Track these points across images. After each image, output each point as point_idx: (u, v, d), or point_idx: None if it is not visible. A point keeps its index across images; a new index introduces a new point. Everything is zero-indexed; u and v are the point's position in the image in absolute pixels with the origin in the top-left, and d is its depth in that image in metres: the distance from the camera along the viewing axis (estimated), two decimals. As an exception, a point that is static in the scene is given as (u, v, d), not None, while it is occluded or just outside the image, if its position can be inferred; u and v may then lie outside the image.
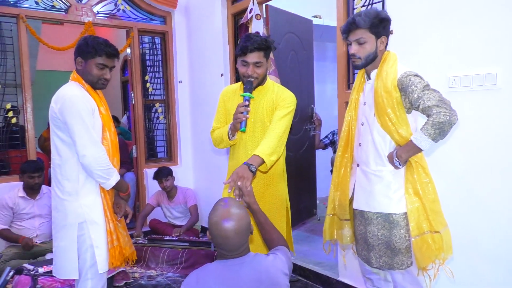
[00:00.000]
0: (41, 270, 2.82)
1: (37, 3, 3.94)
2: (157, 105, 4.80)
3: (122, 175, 4.49)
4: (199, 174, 4.73)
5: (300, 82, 4.15)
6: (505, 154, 2.02)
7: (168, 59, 4.76)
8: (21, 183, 3.51)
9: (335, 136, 4.28)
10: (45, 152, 5.07)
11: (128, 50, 4.57)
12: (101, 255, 2.08)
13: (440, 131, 1.74)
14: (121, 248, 2.18)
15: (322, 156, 4.84)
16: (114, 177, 2.09)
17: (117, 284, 3.19)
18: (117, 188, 2.15)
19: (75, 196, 2.06)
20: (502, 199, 2.04)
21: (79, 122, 1.99)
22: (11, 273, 2.64)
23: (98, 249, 2.07)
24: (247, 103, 2.11)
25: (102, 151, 2.04)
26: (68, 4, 4.09)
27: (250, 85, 2.17)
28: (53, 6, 4.03)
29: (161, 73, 4.83)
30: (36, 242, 3.41)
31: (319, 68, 5.14)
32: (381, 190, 1.93)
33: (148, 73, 4.76)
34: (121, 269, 3.12)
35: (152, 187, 4.45)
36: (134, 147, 4.67)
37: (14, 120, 3.86)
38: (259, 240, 2.24)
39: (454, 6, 2.17)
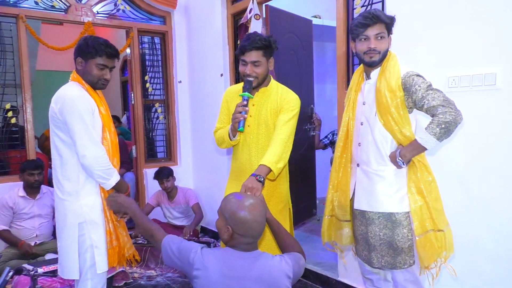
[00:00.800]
0: (40, 270, 2.82)
1: (36, 3, 3.95)
2: (156, 105, 4.80)
3: (121, 175, 4.50)
4: (199, 174, 4.73)
5: (299, 82, 4.15)
6: (505, 154, 2.02)
7: (167, 59, 4.77)
8: (21, 183, 3.51)
9: (335, 136, 4.28)
10: (45, 152, 5.08)
11: (128, 50, 4.57)
12: (100, 255, 2.09)
13: (445, 130, 1.75)
14: (120, 248, 2.19)
15: (321, 156, 4.84)
16: (114, 177, 2.10)
17: (116, 284, 3.20)
18: (117, 188, 2.15)
19: (75, 196, 2.07)
20: (502, 198, 2.05)
21: (79, 122, 2.00)
22: (10, 273, 2.64)
23: (98, 249, 2.08)
24: (245, 102, 2.11)
25: (102, 151, 2.04)
26: (67, 4, 4.09)
27: (249, 84, 2.16)
28: (52, 6, 4.03)
29: (160, 73, 4.83)
30: (36, 243, 3.42)
31: (318, 68, 5.14)
32: (383, 190, 1.93)
33: (147, 73, 4.76)
34: (121, 269, 3.12)
35: (151, 187, 4.46)
36: (133, 147, 4.68)
37: (13, 120, 3.87)
38: (270, 238, 2.24)
39: (453, 6, 2.17)
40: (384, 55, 1.93)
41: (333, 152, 4.55)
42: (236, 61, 3.96)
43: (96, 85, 2.14)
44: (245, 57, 2.15)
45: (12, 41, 3.85)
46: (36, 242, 3.43)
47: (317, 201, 4.69)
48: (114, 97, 7.80)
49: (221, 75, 4.10)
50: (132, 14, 4.54)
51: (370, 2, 2.67)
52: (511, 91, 1.99)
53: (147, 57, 4.76)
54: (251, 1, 3.44)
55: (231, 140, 2.25)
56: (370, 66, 1.95)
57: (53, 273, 2.87)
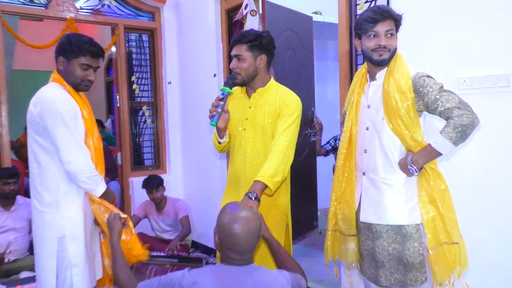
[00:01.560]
0: (15, 289, 2.78)
1: (14, -3, 3.93)
2: (144, 108, 4.79)
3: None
4: (190, 183, 4.71)
5: (299, 83, 4.15)
6: (521, 161, 2.02)
7: (156, 58, 4.76)
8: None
9: (337, 141, 4.28)
10: (21, 159, 5.03)
11: (113, 49, 4.57)
12: (78, 275, 2.05)
13: (462, 134, 1.75)
14: (105, 266, 2.17)
15: (323, 164, 4.83)
16: (101, 185, 2.09)
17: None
18: (104, 198, 2.13)
19: (56, 208, 2.05)
20: (518, 210, 2.04)
21: (62, 126, 1.98)
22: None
23: (76, 268, 2.05)
24: (221, 96, 2.13)
25: (87, 156, 2.03)
26: (48, -1, 4.08)
27: (232, 79, 2.18)
28: (31, 1, 4.02)
29: (149, 73, 4.82)
30: (9, 260, 3.36)
31: (319, 68, 5.15)
32: (392, 200, 1.92)
33: (134, 73, 4.75)
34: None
35: (138, 197, 4.43)
36: (119, 154, 4.65)
37: (-12, 125, 3.83)
38: (266, 251, 2.22)
39: (463, 2, 2.18)
40: (393, 53, 1.94)
41: (336, 159, 4.55)
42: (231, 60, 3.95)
43: (79, 86, 2.12)
44: (232, 52, 2.19)
45: (-14, 39, 3.82)
46: (9, 259, 3.37)
47: (319, 213, 4.68)
48: (98, 99, 7.78)
49: (215, 75, 4.10)
50: (118, 9, 4.54)
51: (375, -2, 2.68)
52: (528, 94, 2.00)
53: (134, 56, 4.75)
54: (247, -4, 3.45)
55: (219, 142, 2.26)
56: (379, 65, 1.95)
57: (30, 292, 2.83)
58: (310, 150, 4.37)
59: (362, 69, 2.09)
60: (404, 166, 1.89)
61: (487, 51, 2.10)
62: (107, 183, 4.56)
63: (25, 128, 5.38)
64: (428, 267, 1.89)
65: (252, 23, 3.37)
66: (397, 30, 1.94)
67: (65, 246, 2.04)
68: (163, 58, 4.74)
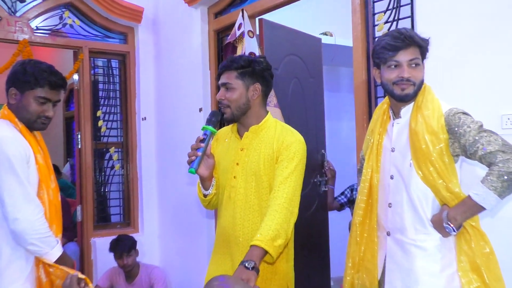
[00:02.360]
0: None
1: (-46, 15, 4.02)
2: (112, 150, 4.81)
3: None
4: (168, 246, 4.66)
5: (305, 120, 4.19)
6: None
7: (128, 89, 4.84)
8: None
9: (354, 193, 4.27)
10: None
11: (76, 77, 4.64)
12: None
13: (509, 183, 1.76)
14: None
15: (337, 220, 4.80)
16: (56, 248, 2.08)
17: None
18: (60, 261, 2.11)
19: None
20: None
21: (10, 174, 1.99)
22: None
23: None
24: (203, 137, 2.13)
25: (40, 213, 2.03)
26: (-3, 17, 4.18)
27: (216, 116, 2.19)
28: (-25, 20, 4.12)
29: (118, 107, 4.88)
30: None
31: (331, 100, 5.20)
32: (425, 267, 1.92)
33: (101, 107, 4.81)
34: None
35: (102, 262, 4.37)
36: (78, 208, 4.62)
37: None
38: (284, 270, 2.23)
39: (504, 25, 2.25)
40: (419, 87, 1.98)
41: (353, 214, 4.52)
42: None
43: (33, 124, 2.15)
44: (220, 80, 2.23)
45: None
46: None
47: (332, 283, 4.61)
48: (54, 139, 7.80)
49: (200, 110, 4.15)
50: (83, 30, 4.65)
51: (396, 18, 2.76)
52: None
53: (100, 85, 4.83)
54: (240, 14, 3.54)
55: (204, 195, 2.27)
56: (402, 101, 1.99)
57: None
58: (320, 203, 4.35)
59: (384, 104, 2.13)
60: (438, 224, 1.89)
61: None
62: (63, 244, 4.53)
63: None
64: None
65: (250, 46, 3.43)
66: (423, 59, 1.99)
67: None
68: (137, 88, 4.81)
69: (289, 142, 2.18)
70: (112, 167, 4.84)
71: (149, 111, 4.81)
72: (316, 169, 4.29)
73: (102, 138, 4.79)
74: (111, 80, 4.88)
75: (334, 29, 5.18)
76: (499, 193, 1.77)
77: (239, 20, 3.53)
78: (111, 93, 4.87)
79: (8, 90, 2.16)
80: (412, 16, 2.68)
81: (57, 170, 6.27)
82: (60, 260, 2.10)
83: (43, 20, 4.44)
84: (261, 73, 2.23)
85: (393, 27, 2.76)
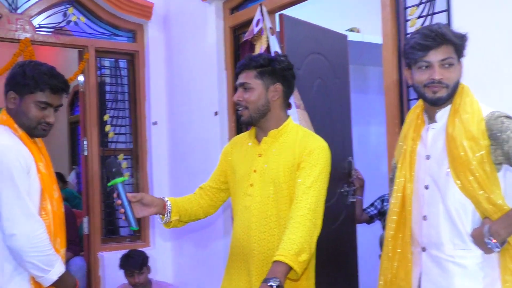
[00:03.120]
0: None
1: (-50, 13, 4.08)
2: (120, 157, 4.85)
3: (67, 262, 4.44)
4: (181, 261, 4.67)
5: (330, 124, 4.17)
6: None
7: (137, 91, 4.87)
8: None
9: (385, 204, 4.24)
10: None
11: (81, 78, 4.68)
12: None
13: None
14: None
15: (366, 234, 4.77)
16: (56, 268, 2.09)
17: None
18: (58, 286, 2.13)
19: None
20: None
21: (9, 186, 2.01)
22: None
23: None
24: (116, 193, 2.10)
25: (40, 229, 2.04)
26: (-3, 15, 4.24)
27: (114, 166, 2.12)
28: (-26, 18, 4.18)
29: (127, 110, 4.92)
30: None
31: (358, 103, 5.17)
32: (466, 287, 1.90)
33: (108, 110, 4.85)
34: None
35: (110, 278, 4.39)
36: (85, 220, 4.65)
37: None
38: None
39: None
40: (454, 88, 1.96)
41: (384, 228, 4.47)
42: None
43: (34, 131, 2.17)
44: (237, 80, 2.25)
45: None
46: None
47: (360, 303, 4.57)
48: (58, 145, 7.88)
49: (216, 113, 4.16)
50: (89, 27, 4.69)
51: (431, 12, 2.74)
52: None
53: (108, 87, 4.86)
54: (258, 9, 3.54)
55: (165, 224, 2.32)
56: (434, 104, 1.98)
57: None
58: (348, 216, 4.32)
59: (417, 107, 2.11)
60: (479, 239, 1.87)
61: None
62: (68, 259, 4.57)
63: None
64: None
65: (273, 44, 3.43)
66: (459, 57, 1.97)
67: None
68: (147, 90, 4.84)
69: (312, 147, 2.19)
70: (121, 176, 4.86)
71: (160, 115, 4.83)
72: (343, 178, 4.26)
73: (109, 144, 4.83)
74: (119, 82, 4.92)
75: (361, 25, 5.17)
76: None
77: (257, 15, 3.53)
78: (119, 95, 4.91)
79: (7, 94, 2.18)
80: (448, 10, 2.65)
81: (62, 178, 6.34)
82: (61, 280, 2.11)
83: (46, 17, 4.50)
84: (282, 72, 2.24)
85: (427, 23, 2.73)
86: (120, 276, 4.11)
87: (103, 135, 4.77)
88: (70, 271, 2.28)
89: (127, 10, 4.65)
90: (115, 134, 4.85)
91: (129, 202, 2.11)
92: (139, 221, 4.81)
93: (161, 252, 4.73)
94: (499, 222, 1.83)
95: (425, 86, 1.95)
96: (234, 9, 4.17)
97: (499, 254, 1.90)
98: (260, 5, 3.53)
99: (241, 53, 4.01)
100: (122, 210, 2.09)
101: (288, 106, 2.47)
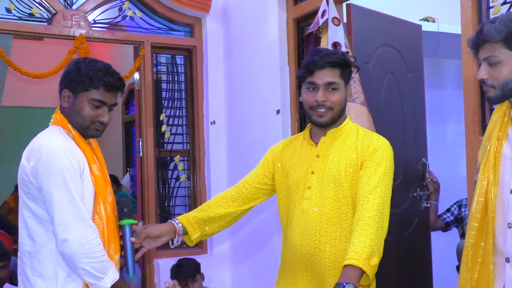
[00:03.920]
0: None
1: (8, 10, 4.28)
2: (177, 159, 4.92)
3: (121, 269, 4.54)
4: (240, 269, 4.70)
5: (403, 123, 4.12)
6: None
7: (195, 89, 4.94)
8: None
9: (463, 209, 4.15)
10: (8, 230, 5.25)
11: (136, 76, 4.78)
12: None
13: None
14: None
15: (441, 242, 4.68)
16: (110, 275, 2.12)
17: None
18: None
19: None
20: None
21: (60, 189, 2.06)
22: None
23: None
24: (119, 233, 2.24)
25: (92, 234, 2.08)
26: (53, 12, 4.40)
27: (128, 207, 2.25)
28: (31, 15, 4.35)
29: (184, 109, 5.00)
30: None
31: (433, 99, 5.10)
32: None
33: (164, 110, 4.94)
34: None
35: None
36: (140, 225, 4.75)
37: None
38: None
39: None
40: (509, 87, 1.93)
41: (462, 235, 4.38)
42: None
43: (87, 130, 2.22)
44: (315, 78, 2.22)
45: (-29, 66, 4.16)
46: None
47: (436, 318, 4.49)
48: (112, 146, 8.06)
49: (278, 112, 4.17)
50: (145, 22, 4.80)
51: (516, -4, 2.66)
52: None
53: (164, 85, 4.96)
54: (324, -1, 3.52)
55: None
56: (489, 102, 1.98)
57: None
58: (421, 222, 4.26)
59: (503, 104, 2.06)
60: None
61: None
62: (122, 266, 4.67)
63: (15, 188, 5.64)
64: None
65: (335, 35, 3.41)
66: None
67: None
68: (205, 88, 4.91)
69: (376, 146, 2.22)
70: (177, 178, 4.94)
71: (218, 114, 4.89)
72: (416, 182, 4.20)
73: (166, 145, 4.91)
74: (176, 79, 5.01)
75: (437, 14, 5.08)
76: None
77: (323, 6, 3.51)
78: (176, 93, 4.99)
79: (61, 92, 2.21)
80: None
81: (115, 181, 6.49)
82: (115, 287, 2.13)
83: (101, 13, 4.64)
84: (352, 72, 2.29)
85: (513, 10, 2.66)
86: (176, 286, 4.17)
87: (159, 135, 4.86)
88: (124, 278, 2.31)
89: (185, 3, 4.72)
90: (172, 134, 4.93)
91: (132, 247, 2.24)
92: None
93: (218, 260, 4.78)
94: None
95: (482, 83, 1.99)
96: (298, 0, 4.16)
97: None
98: (326, -6, 3.51)
99: (305, 46, 4.00)
100: (123, 253, 2.23)
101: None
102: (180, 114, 4.99)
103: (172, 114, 4.96)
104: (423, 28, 4.50)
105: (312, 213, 2.24)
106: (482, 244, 2.02)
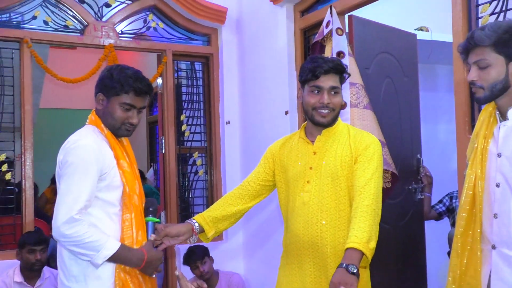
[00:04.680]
0: None
1: (46, 23, 4.32)
2: (196, 155, 4.94)
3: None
4: (253, 254, 4.72)
5: (400, 122, 4.11)
6: None
7: (212, 92, 4.96)
8: (17, 263, 3.65)
9: (454, 201, 4.14)
10: (45, 218, 5.30)
11: (159, 80, 4.81)
12: None
13: None
14: None
15: (434, 231, 4.66)
16: (102, 252, 2.08)
17: None
18: (118, 262, 2.15)
19: (83, 283, 2.14)
20: None
21: (75, 176, 2.09)
22: None
23: None
24: (149, 232, 2.31)
25: (77, 226, 2.06)
26: (84, 23, 4.45)
27: (154, 206, 2.34)
28: (66, 26, 4.40)
29: (202, 111, 5.01)
30: None
31: (427, 101, 5.07)
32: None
33: (184, 111, 4.95)
34: None
35: (187, 270, 4.47)
36: (162, 214, 4.77)
37: (8, 176, 4.10)
38: (365, 277, 2.27)
39: None
40: (497, 88, 1.93)
41: (452, 224, 4.37)
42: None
43: (118, 131, 2.25)
44: (320, 82, 2.25)
45: (12, 72, 4.19)
46: None
47: (430, 300, 4.47)
48: (138, 144, 8.11)
49: (286, 112, 4.18)
50: (167, 33, 4.82)
51: (504, 8, 2.65)
52: None
53: (184, 89, 4.98)
54: (328, 10, 3.52)
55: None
56: (477, 103, 2.03)
57: None
58: (416, 213, 4.24)
59: (490, 105, 2.06)
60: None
61: None
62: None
63: (52, 181, 5.65)
64: None
65: (339, 45, 3.41)
66: (509, 57, 1.92)
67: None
68: (221, 91, 4.92)
69: (368, 142, 2.28)
70: (196, 173, 4.96)
71: (233, 114, 4.90)
72: (411, 176, 4.19)
73: (185, 142, 4.92)
74: (195, 83, 5.02)
75: (430, 24, 5.07)
76: None
77: (327, 17, 3.52)
78: (195, 96, 5.00)
79: (96, 96, 2.27)
80: (521, 6, 2.57)
81: (141, 175, 6.52)
82: (117, 257, 2.11)
83: (128, 24, 4.67)
84: (343, 78, 2.35)
85: (500, 20, 2.64)
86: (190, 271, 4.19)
87: (179, 134, 4.88)
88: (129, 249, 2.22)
89: (203, 15, 4.74)
90: (191, 133, 4.95)
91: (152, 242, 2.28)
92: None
93: (233, 245, 4.80)
94: None
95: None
96: (304, 12, 4.18)
97: None
98: (330, 6, 3.52)
99: (311, 53, 4.00)
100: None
101: (343, 105, 2.61)
102: (199, 115, 5.01)
103: (191, 114, 4.98)
104: (418, 37, 4.49)
105: (312, 205, 2.28)
106: (471, 232, 2.01)
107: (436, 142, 5.38)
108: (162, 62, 4.75)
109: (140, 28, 4.72)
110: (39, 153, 4.56)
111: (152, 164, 7.89)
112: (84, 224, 2.07)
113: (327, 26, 3.51)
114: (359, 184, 2.19)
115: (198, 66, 5.03)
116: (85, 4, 4.45)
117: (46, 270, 3.69)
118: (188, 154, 4.94)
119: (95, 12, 4.49)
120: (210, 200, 4.95)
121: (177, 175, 4.82)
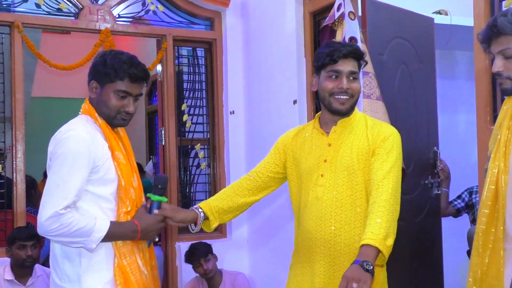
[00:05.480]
0: None
1: (38, 5, 4.32)
2: (197, 147, 4.94)
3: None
4: (258, 252, 4.72)
5: (415, 112, 4.09)
6: None
7: (215, 80, 4.94)
8: (7, 260, 3.66)
9: (473, 196, 4.12)
10: (37, 213, 5.31)
11: (159, 67, 4.80)
12: None
13: None
14: None
15: (452, 228, 4.65)
16: (94, 235, 2.08)
17: None
18: (112, 239, 2.15)
19: (77, 283, 2.13)
20: None
21: (64, 169, 2.08)
22: None
23: None
24: (147, 204, 2.26)
25: (65, 221, 2.05)
26: (79, 6, 4.43)
27: (164, 185, 2.31)
28: (59, 9, 4.39)
29: (204, 100, 5.01)
30: None
31: (445, 89, 5.06)
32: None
33: (186, 100, 4.95)
34: None
35: (187, 268, 4.47)
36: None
37: (-1, 169, 4.12)
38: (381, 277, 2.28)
39: None
40: None
41: (472, 222, 4.35)
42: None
43: (113, 120, 2.23)
44: (339, 66, 2.23)
45: (3, 59, 4.19)
46: None
47: (446, 301, 4.47)
48: (136, 135, 8.11)
49: (295, 102, 4.16)
50: (167, 16, 4.81)
51: (529, -11, 2.61)
52: None
53: (185, 77, 4.97)
54: (340, -8, 3.50)
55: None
56: (504, 94, 1.98)
57: None
58: (432, 208, 4.23)
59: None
60: None
61: None
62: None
63: (45, 174, 5.70)
64: None
65: (351, 30, 3.38)
66: None
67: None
68: (224, 79, 4.91)
69: (386, 134, 2.26)
70: (198, 166, 4.96)
71: (237, 104, 4.89)
72: (427, 169, 4.18)
73: (187, 134, 4.93)
74: (197, 71, 5.01)
75: (449, 7, 5.03)
76: None
77: (339, 0, 3.49)
78: (197, 84, 5.00)
79: (89, 83, 2.24)
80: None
81: (140, 169, 6.53)
82: (111, 234, 2.11)
83: (125, 7, 4.65)
84: (362, 64, 2.36)
85: (525, 0, 2.62)
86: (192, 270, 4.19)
87: (180, 124, 4.88)
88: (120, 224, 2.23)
89: (206, -3, 4.72)
90: (193, 123, 4.95)
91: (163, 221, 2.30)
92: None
93: (237, 243, 4.81)
94: None
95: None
96: (313, -6, 4.15)
97: None
98: (342, -12, 3.49)
99: (321, 39, 3.98)
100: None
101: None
102: (201, 104, 5.00)
103: (193, 104, 4.98)
104: (436, 21, 4.46)
105: (326, 200, 2.26)
106: (493, 230, 2.00)
107: (455, 134, 5.36)
108: (162, 48, 4.74)
109: (139, 12, 4.70)
110: (31, 144, 4.56)
111: (151, 156, 7.88)
112: (67, 214, 2.06)
113: (338, 9, 3.49)
114: (377, 178, 2.17)
115: (200, 52, 5.02)
116: (79, -15, 4.44)
117: (38, 268, 3.71)
118: (189, 146, 4.95)
119: (90, -6, 4.47)
120: (213, 195, 4.91)
121: (178, 169, 4.83)
